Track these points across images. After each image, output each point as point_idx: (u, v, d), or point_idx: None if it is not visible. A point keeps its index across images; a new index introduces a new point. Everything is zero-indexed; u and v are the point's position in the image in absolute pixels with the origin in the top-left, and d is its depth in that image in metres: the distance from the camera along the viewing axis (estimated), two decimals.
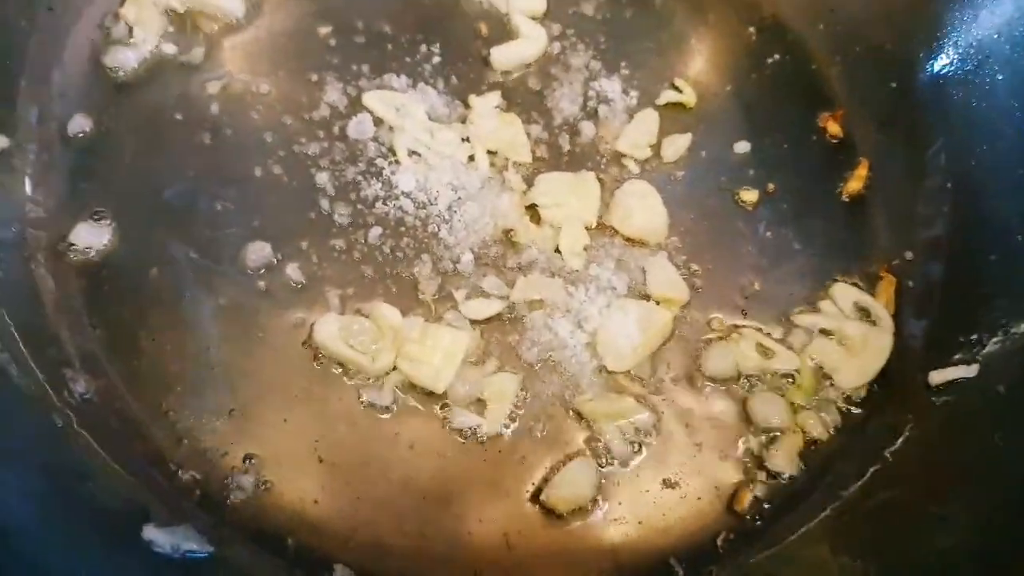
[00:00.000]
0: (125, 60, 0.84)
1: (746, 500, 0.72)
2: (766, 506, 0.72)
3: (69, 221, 0.76)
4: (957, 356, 0.75)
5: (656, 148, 0.87)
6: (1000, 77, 0.83)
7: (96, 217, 0.77)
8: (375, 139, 0.83)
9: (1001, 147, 0.82)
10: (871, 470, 0.72)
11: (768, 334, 0.79)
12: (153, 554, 0.61)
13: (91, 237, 0.76)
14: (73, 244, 0.75)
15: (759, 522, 0.72)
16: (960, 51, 0.86)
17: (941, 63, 0.87)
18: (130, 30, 0.85)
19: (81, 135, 0.80)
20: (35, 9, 0.80)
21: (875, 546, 0.66)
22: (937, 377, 0.75)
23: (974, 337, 0.76)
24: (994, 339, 0.75)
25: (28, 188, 0.76)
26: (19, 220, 0.75)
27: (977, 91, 0.84)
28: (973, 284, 0.79)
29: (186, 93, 0.84)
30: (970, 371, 0.74)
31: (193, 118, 0.83)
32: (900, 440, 0.73)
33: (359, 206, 0.81)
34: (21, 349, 0.68)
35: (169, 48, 0.86)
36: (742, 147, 0.88)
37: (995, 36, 0.83)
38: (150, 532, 0.62)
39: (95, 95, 0.82)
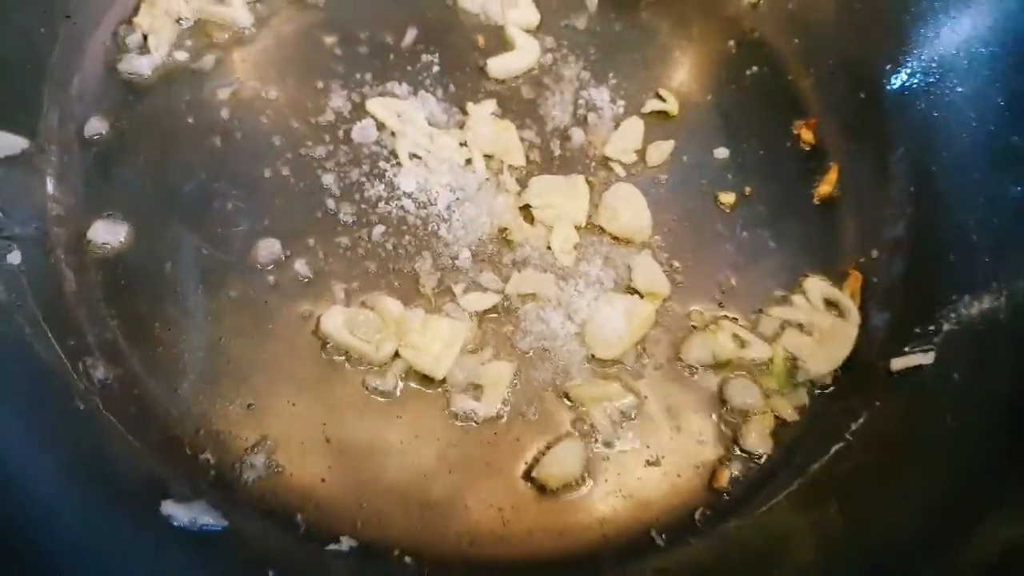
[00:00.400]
0: (139, 67, 0.89)
1: (725, 478, 0.77)
2: (741, 481, 0.78)
3: (87, 218, 0.81)
4: (916, 345, 0.81)
5: (641, 153, 0.93)
6: (959, 90, 0.90)
7: (112, 215, 0.81)
8: (378, 143, 0.89)
9: (959, 153, 0.88)
10: (835, 447, 0.78)
11: (743, 325, 0.85)
12: (171, 527, 0.65)
13: (108, 234, 0.80)
14: (91, 240, 0.80)
15: (735, 497, 0.77)
16: (923, 66, 0.93)
17: (905, 77, 0.94)
18: (144, 39, 0.90)
19: (98, 137, 0.85)
20: (56, 19, 0.85)
21: (839, 515, 0.72)
22: (897, 364, 0.81)
23: (932, 328, 0.82)
24: (950, 330, 0.81)
25: (49, 187, 0.81)
26: (41, 218, 0.79)
27: (938, 102, 0.91)
28: (932, 280, 0.85)
29: (198, 98, 0.89)
30: (927, 358, 0.80)
31: (204, 122, 0.87)
32: (863, 421, 0.79)
33: (363, 206, 0.86)
34: (49, 337, 0.72)
35: (181, 56, 0.91)
36: (721, 153, 0.94)
37: (955, 52, 0.90)
38: (168, 507, 0.66)
39: (111, 100, 0.87)
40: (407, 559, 0.72)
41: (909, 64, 0.93)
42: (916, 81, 0.93)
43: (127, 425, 0.72)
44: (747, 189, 0.92)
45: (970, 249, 0.83)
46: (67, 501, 0.60)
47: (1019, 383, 0.73)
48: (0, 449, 0.58)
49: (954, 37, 0.90)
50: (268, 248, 0.82)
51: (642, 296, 0.85)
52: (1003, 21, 0.87)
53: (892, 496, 0.71)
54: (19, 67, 0.82)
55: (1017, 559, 0.56)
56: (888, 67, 0.95)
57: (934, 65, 0.91)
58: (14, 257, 0.75)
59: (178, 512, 0.66)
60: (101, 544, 0.58)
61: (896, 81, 0.94)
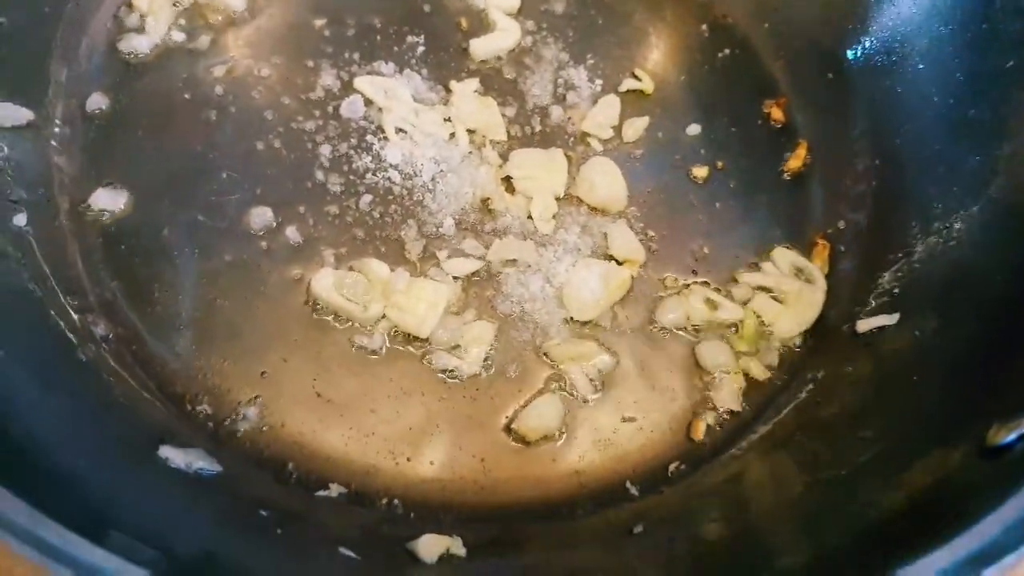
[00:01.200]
0: (138, 46, 0.93)
1: (701, 429, 0.81)
2: (714, 435, 0.82)
3: (89, 187, 0.85)
4: (881, 307, 0.86)
5: (618, 129, 0.97)
6: (920, 67, 0.94)
7: (113, 183, 0.85)
8: (365, 118, 0.93)
9: (921, 128, 0.93)
10: (802, 401, 0.82)
11: (715, 290, 0.89)
12: (168, 468, 0.69)
13: (108, 201, 0.84)
14: (92, 207, 0.84)
15: (707, 450, 0.81)
16: (886, 45, 0.97)
17: (870, 56, 0.98)
18: (143, 20, 0.94)
19: (99, 111, 0.89)
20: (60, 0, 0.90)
21: (806, 463, 0.76)
22: (863, 325, 0.85)
23: (896, 291, 0.86)
24: (913, 292, 0.85)
25: (54, 157, 0.85)
26: (46, 184, 0.83)
27: (901, 80, 0.95)
28: (897, 247, 0.90)
29: (193, 76, 0.93)
30: (891, 319, 0.84)
31: (200, 98, 0.92)
32: (829, 378, 0.83)
33: (351, 176, 0.90)
34: (55, 293, 0.76)
35: (178, 36, 0.95)
36: (694, 129, 0.98)
37: (916, 32, 0.95)
38: (165, 451, 0.69)
39: (111, 76, 0.91)
40: (394, 505, 0.75)
41: (873, 44, 0.98)
42: (880, 60, 0.97)
43: (126, 378, 0.76)
44: (719, 163, 0.96)
45: (931, 218, 0.88)
46: (68, 441, 0.63)
47: (976, 341, 0.76)
48: (5, 390, 0.62)
49: (915, 17, 0.95)
50: (260, 215, 0.86)
51: (619, 263, 0.89)
52: (962, 1, 0.91)
53: (856, 444, 0.75)
54: (26, 44, 0.85)
55: (948, 486, 0.60)
56: (853, 47, 0.99)
57: (896, 44, 0.96)
58: (20, 219, 0.79)
59: (175, 456, 0.69)
60: (99, 479, 0.61)
61: (861, 60, 0.99)
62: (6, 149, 0.81)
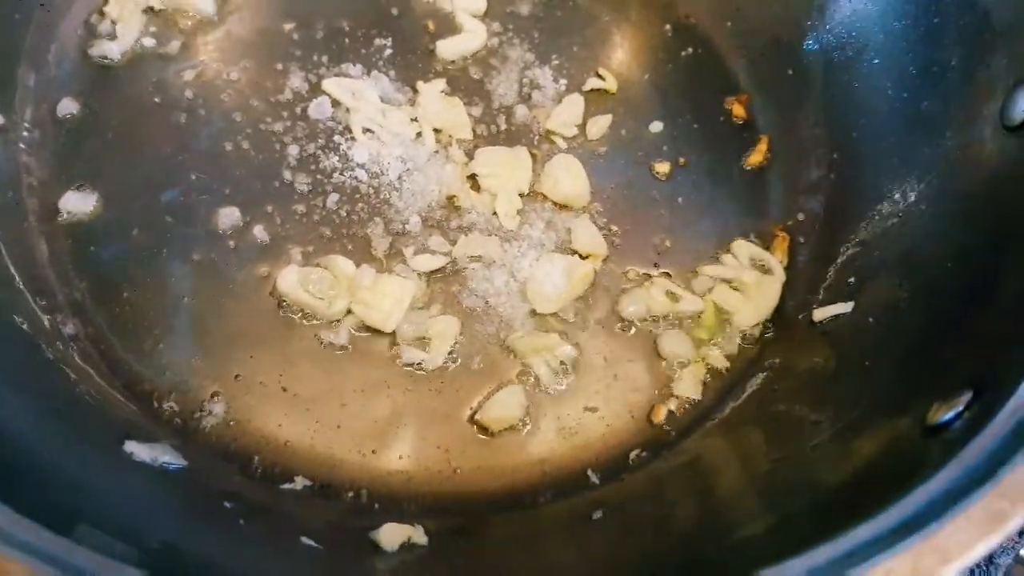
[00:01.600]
0: (109, 51, 0.94)
1: (662, 414, 0.83)
2: (674, 422, 0.83)
3: (59, 190, 0.86)
4: (837, 296, 0.87)
5: (582, 127, 0.99)
6: (876, 61, 0.96)
7: (82, 187, 0.87)
8: (333, 119, 0.94)
9: (876, 121, 0.95)
10: (760, 387, 0.84)
11: (677, 283, 0.91)
12: (133, 462, 0.70)
13: (78, 204, 0.86)
14: (62, 209, 0.85)
15: (667, 439, 0.83)
16: (843, 42, 0.99)
17: (828, 52, 1.00)
18: (113, 25, 0.96)
19: (69, 116, 0.90)
20: (30, 5, 0.91)
21: (764, 446, 0.78)
22: (819, 314, 0.87)
23: (852, 280, 0.88)
24: (867, 281, 0.87)
25: (23, 160, 0.86)
26: (15, 188, 0.84)
27: (857, 75, 0.97)
28: (853, 238, 0.91)
29: (164, 80, 0.94)
30: (847, 307, 0.86)
31: (170, 101, 0.93)
32: (787, 365, 0.85)
33: (318, 176, 0.91)
34: (23, 295, 0.78)
35: (148, 41, 0.96)
36: (656, 127, 1.00)
37: (871, 27, 0.97)
38: (131, 446, 0.70)
39: (82, 81, 0.92)
40: (359, 497, 0.77)
41: (830, 40, 1.00)
42: (837, 55, 0.99)
43: (93, 376, 0.77)
44: (681, 160, 0.98)
45: (886, 208, 0.90)
46: (35, 438, 0.65)
47: (925, 326, 0.78)
48: None
49: (871, 13, 0.97)
50: (229, 215, 0.87)
51: (582, 257, 0.90)
52: None
53: (809, 427, 0.77)
54: None
55: (892, 461, 0.62)
56: (812, 45, 1.01)
57: (853, 39, 0.98)
58: None
59: (140, 451, 0.70)
60: (66, 474, 0.63)
61: (819, 56, 1.01)
62: None
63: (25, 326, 0.75)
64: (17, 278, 0.78)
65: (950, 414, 0.60)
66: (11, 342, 0.73)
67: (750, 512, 0.69)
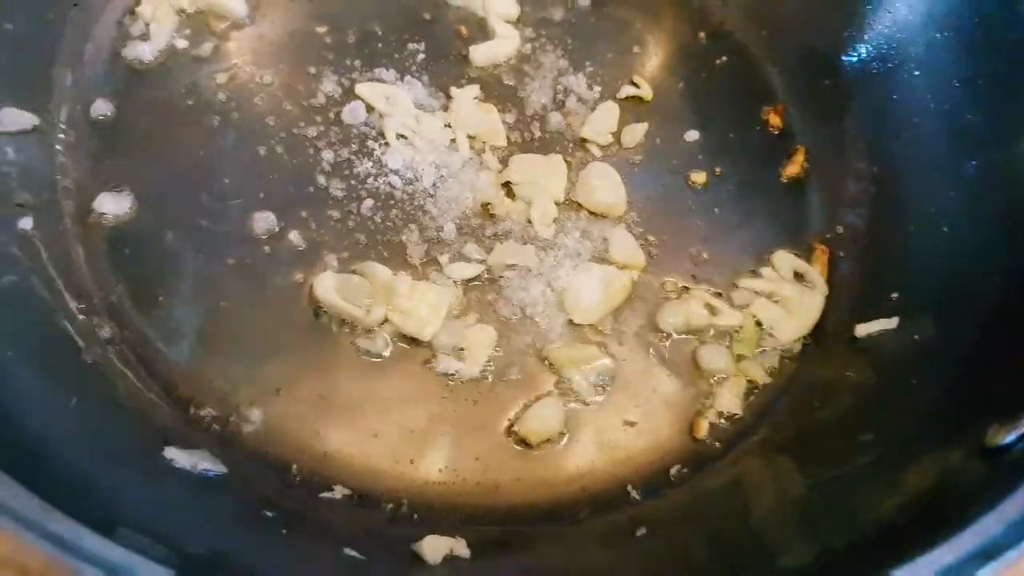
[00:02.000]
0: (142, 53, 0.93)
1: (703, 429, 0.82)
2: (715, 438, 0.82)
3: (94, 191, 0.85)
4: (880, 312, 0.86)
5: (616, 135, 0.98)
6: (916, 74, 0.95)
7: (117, 188, 0.86)
8: (367, 124, 0.93)
9: (918, 134, 0.94)
10: (801, 406, 0.82)
11: (715, 294, 0.90)
12: (173, 469, 0.69)
13: (113, 205, 0.85)
14: (97, 211, 0.84)
15: (708, 454, 0.82)
16: (882, 53, 0.98)
17: (866, 64, 0.99)
18: (146, 27, 0.95)
19: (103, 117, 0.90)
20: (64, 6, 0.90)
21: (807, 465, 0.76)
22: (862, 330, 0.86)
23: (895, 296, 0.87)
24: (912, 296, 0.86)
25: (59, 161, 0.85)
26: (50, 189, 0.83)
27: (897, 87, 0.97)
28: (894, 251, 0.91)
29: (197, 82, 0.93)
30: (891, 323, 0.85)
31: (203, 104, 0.92)
32: (830, 382, 0.84)
33: (352, 182, 0.90)
34: (62, 297, 0.77)
35: (181, 43, 0.95)
36: (692, 135, 0.99)
37: (912, 39, 0.96)
38: (170, 452, 0.70)
39: (115, 83, 0.91)
40: (399, 507, 0.76)
41: (870, 51, 0.99)
42: (876, 66, 0.98)
43: (131, 380, 0.76)
44: (717, 169, 0.97)
45: (928, 221, 0.89)
46: (76, 442, 0.64)
47: (974, 343, 0.77)
48: (16, 391, 0.62)
49: (911, 24, 0.96)
50: (263, 220, 0.86)
51: (619, 267, 0.89)
52: (957, 7, 0.92)
53: (856, 447, 0.75)
54: (30, 50, 0.86)
55: (948, 487, 0.61)
56: (850, 54, 1.00)
57: (893, 51, 0.97)
58: (26, 223, 0.79)
59: (180, 457, 0.69)
60: (108, 479, 0.62)
61: (858, 67, 1.00)
62: (11, 153, 0.82)
63: (67, 329, 0.74)
64: (58, 280, 0.77)
65: (1011, 436, 0.59)
66: (53, 345, 0.72)
67: (792, 540, 0.68)
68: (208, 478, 0.70)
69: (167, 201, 0.86)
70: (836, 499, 0.71)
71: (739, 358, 0.87)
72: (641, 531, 0.74)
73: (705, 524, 0.75)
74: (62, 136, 0.86)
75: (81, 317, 0.77)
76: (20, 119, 0.83)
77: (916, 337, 0.83)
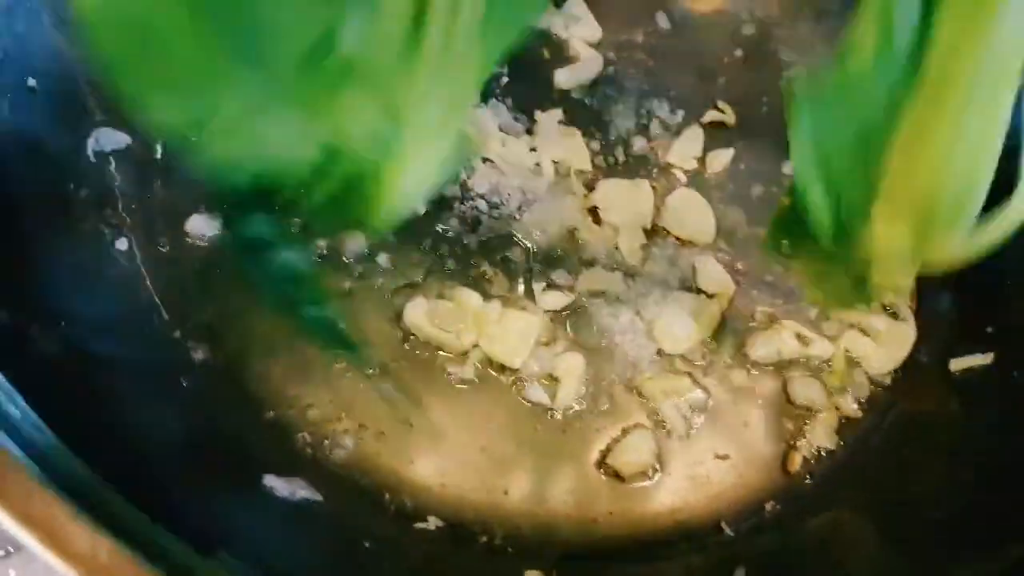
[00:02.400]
0: None
1: (797, 462, 0.80)
2: (809, 474, 0.81)
3: (186, 212, 0.86)
4: (975, 346, 0.84)
5: (701, 161, 0.97)
6: None
7: (208, 210, 0.86)
8: None
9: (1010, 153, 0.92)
10: (899, 442, 0.81)
11: (806, 325, 0.88)
12: (273, 497, 0.69)
13: (205, 227, 0.85)
14: (189, 232, 0.85)
15: (803, 491, 0.80)
16: None
17: None
18: None
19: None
20: None
21: (904, 509, 0.74)
22: (956, 365, 0.83)
23: (990, 330, 0.85)
24: (1009, 331, 0.84)
25: (152, 182, 0.86)
26: (144, 209, 0.84)
27: None
28: (991, 282, 0.88)
29: None
30: (986, 359, 0.83)
31: None
32: (923, 418, 0.82)
33: (440, 205, 0.90)
34: (162, 317, 0.77)
35: None
36: (779, 161, 0.97)
37: None
38: (270, 480, 0.70)
39: None
40: (492, 539, 0.75)
41: None
42: None
43: (226, 405, 0.76)
44: None
45: None
46: (176, 467, 0.64)
47: None
48: (124, 403, 0.63)
49: None
50: (354, 242, 0.86)
51: (708, 296, 0.88)
52: None
53: (947, 484, 0.74)
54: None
55: None
56: None
57: None
58: (122, 243, 0.80)
59: (279, 485, 0.69)
60: (207, 504, 0.62)
61: None
62: (106, 174, 0.83)
63: (166, 354, 0.74)
64: (155, 298, 0.78)
65: None
66: (155, 365, 0.73)
67: None
68: (306, 506, 0.70)
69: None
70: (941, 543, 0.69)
71: (831, 391, 0.85)
72: (740, 572, 0.72)
73: (804, 565, 0.73)
74: (156, 157, 0.87)
75: (177, 338, 0.78)
76: (116, 138, 0.84)
77: (1015, 375, 0.81)
